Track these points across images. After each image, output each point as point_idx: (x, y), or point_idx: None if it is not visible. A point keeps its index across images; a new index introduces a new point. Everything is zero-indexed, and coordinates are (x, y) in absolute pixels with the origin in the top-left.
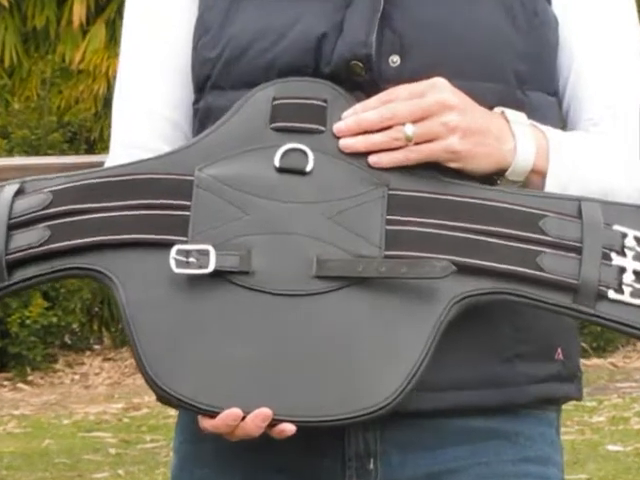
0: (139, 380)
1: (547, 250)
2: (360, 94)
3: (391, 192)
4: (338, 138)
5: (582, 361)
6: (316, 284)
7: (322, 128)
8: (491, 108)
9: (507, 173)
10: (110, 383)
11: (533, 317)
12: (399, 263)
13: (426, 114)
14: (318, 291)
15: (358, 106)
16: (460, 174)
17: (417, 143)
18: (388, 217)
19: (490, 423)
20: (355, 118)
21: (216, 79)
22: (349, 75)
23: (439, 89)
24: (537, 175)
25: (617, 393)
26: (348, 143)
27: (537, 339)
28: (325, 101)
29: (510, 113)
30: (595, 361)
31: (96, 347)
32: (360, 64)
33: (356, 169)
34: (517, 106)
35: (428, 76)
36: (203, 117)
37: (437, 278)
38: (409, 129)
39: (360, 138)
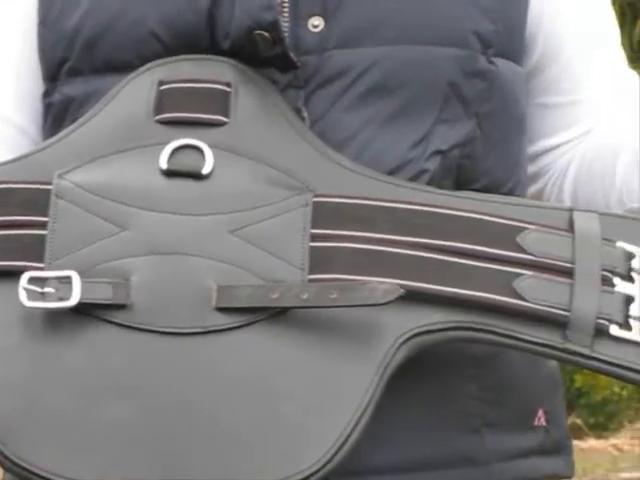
0: None
1: (527, 272)
2: (274, 72)
3: (317, 199)
4: (246, 131)
5: (575, 443)
6: (218, 318)
7: (224, 119)
8: (450, 81)
9: None
10: None
11: (502, 370)
12: (327, 288)
13: None
14: (220, 327)
15: None
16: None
17: None
18: (313, 231)
19: None
20: None
21: (75, 62)
22: (255, 49)
23: None
24: None
25: None
26: None
27: (510, 400)
28: (228, 85)
29: None
30: (592, 443)
31: None
32: (265, 34)
33: (271, 171)
34: (482, 77)
35: (362, 43)
36: (59, 112)
37: (378, 305)
38: None
39: None
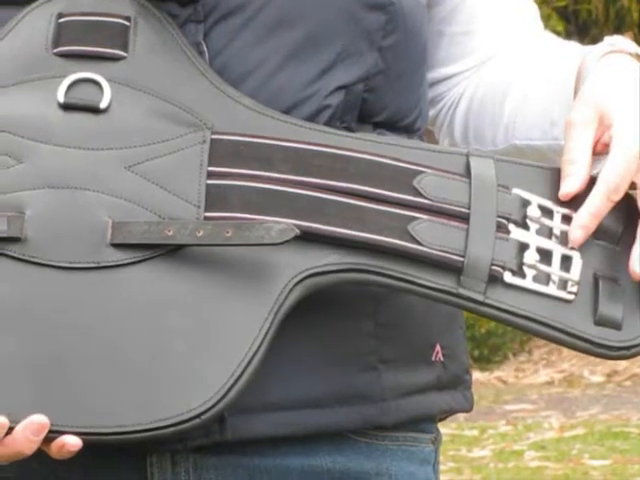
0: None
1: (423, 216)
2: (174, 6)
3: (215, 136)
4: (145, 66)
5: None
6: (112, 254)
7: (123, 54)
8: (351, 13)
9: None
10: None
11: (399, 306)
12: (223, 226)
13: None
14: (115, 263)
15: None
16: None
17: None
18: (210, 169)
19: (341, 461)
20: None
21: None
22: None
23: None
24: None
25: (506, 418)
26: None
27: (407, 336)
28: (128, 19)
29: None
30: (477, 376)
31: None
32: None
33: (169, 106)
34: (384, 10)
35: None
36: None
37: (273, 245)
38: None
39: None
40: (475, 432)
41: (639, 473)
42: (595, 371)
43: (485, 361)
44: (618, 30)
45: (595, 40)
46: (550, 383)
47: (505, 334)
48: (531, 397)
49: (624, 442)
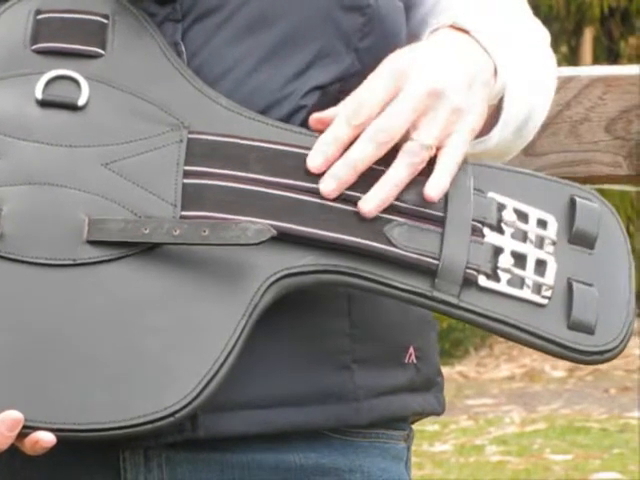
0: None
1: (399, 219)
2: (152, 5)
3: (192, 136)
4: (122, 64)
5: None
6: (88, 251)
7: (101, 51)
8: (328, 14)
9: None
10: None
11: (373, 307)
12: (199, 225)
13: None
14: (91, 260)
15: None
16: None
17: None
18: (187, 168)
19: (314, 457)
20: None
21: None
22: None
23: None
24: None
25: (467, 413)
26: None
27: (381, 337)
28: (106, 17)
29: (465, 22)
30: None
31: None
32: None
33: (146, 105)
34: (361, 12)
35: None
36: None
37: (250, 245)
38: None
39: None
40: (436, 427)
41: (600, 468)
42: (556, 366)
43: (447, 356)
44: (579, 25)
45: (556, 35)
46: (511, 378)
47: (466, 329)
48: (492, 392)
49: (585, 437)
